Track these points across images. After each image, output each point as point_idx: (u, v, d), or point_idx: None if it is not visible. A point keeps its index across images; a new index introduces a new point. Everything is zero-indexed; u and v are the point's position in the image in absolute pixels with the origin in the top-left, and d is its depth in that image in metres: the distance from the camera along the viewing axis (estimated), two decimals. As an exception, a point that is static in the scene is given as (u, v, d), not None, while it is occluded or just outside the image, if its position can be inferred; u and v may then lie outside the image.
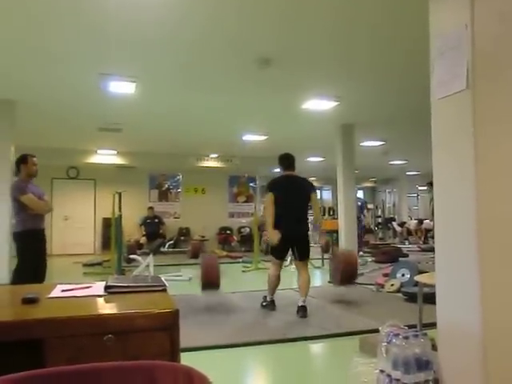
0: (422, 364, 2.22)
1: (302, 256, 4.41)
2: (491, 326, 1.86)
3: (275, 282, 4.47)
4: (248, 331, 3.72)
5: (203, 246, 11.06)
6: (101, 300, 1.53)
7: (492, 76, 1.92)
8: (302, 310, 4.19)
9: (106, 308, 1.48)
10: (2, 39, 4.22)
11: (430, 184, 10.39)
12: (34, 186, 4.19)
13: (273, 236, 4.24)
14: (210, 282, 4.66)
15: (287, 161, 4.66)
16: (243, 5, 3.54)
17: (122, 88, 5.63)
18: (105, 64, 4.90)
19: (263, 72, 4.98)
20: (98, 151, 10.64)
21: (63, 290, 1.64)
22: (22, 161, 4.15)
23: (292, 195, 4.39)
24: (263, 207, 4.39)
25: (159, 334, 1.30)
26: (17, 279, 3.86)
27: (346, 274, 5.06)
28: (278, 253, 4.43)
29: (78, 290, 1.66)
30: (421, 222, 13.02)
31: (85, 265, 8.38)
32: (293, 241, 4.35)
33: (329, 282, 6.13)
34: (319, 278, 7.31)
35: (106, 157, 10.82)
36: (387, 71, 5.21)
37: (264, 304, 4.57)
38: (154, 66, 5.00)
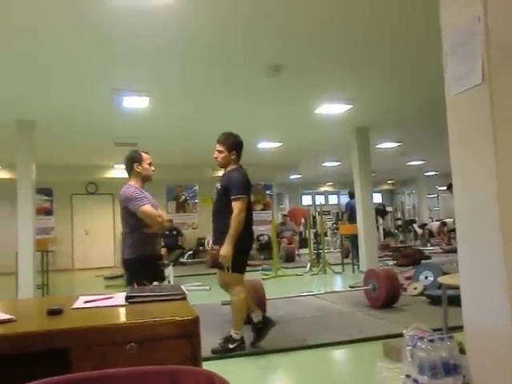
0: (450, 368, 2.15)
1: None
2: (521, 325, 1.80)
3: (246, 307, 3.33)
4: (269, 339, 3.69)
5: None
6: (122, 309, 1.54)
7: (508, 68, 1.88)
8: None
9: (127, 317, 1.49)
10: (17, 64, 4.37)
11: (451, 186, 10.19)
12: (148, 193, 3.07)
13: (228, 252, 3.21)
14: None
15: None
16: (253, 13, 3.57)
17: (135, 103, 5.74)
18: (117, 79, 5.00)
19: (275, 79, 5.00)
20: (115, 166, 10.80)
21: (86, 301, 1.66)
22: (135, 159, 3.04)
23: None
24: (235, 214, 3.32)
25: (180, 341, 1.29)
26: None
27: (389, 296, 4.57)
28: (244, 264, 3.42)
29: (99, 300, 1.68)
30: (443, 223, 12.73)
31: (106, 278, 8.47)
32: None
33: (350, 286, 6.06)
34: (340, 283, 7.24)
35: (123, 171, 10.97)
36: (400, 71, 5.17)
37: (232, 346, 3.24)
38: (166, 79, 5.08)
